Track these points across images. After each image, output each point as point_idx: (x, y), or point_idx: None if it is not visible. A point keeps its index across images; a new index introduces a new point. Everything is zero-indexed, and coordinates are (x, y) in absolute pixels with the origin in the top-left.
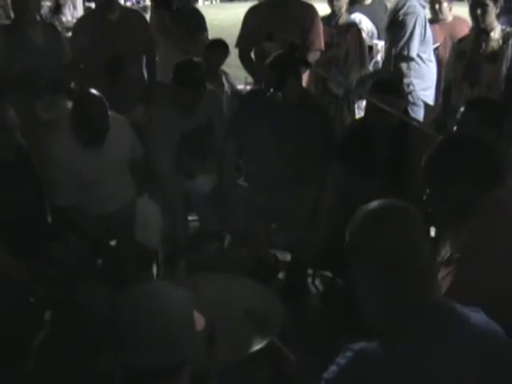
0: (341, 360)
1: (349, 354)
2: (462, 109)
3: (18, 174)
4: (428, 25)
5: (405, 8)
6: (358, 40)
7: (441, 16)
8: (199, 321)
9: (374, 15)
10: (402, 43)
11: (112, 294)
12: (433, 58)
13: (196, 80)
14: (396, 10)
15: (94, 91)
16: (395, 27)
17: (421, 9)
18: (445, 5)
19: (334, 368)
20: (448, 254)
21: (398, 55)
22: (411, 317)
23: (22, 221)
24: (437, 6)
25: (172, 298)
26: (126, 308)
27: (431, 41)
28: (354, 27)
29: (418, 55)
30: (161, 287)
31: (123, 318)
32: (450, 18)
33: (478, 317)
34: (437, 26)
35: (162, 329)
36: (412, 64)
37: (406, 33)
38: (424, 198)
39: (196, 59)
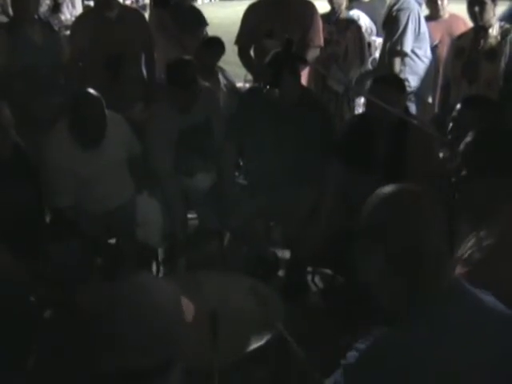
0: (360, 345)
1: (368, 339)
2: (458, 106)
3: (16, 173)
4: (423, 21)
5: (399, 4)
6: (357, 37)
7: (441, 12)
8: (188, 307)
9: (373, 12)
10: (395, 38)
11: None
12: (429, 55)
13: (187, 78)
14: (390, 6)
15: (91, 91)
16: (390, 23)
17: (415, 5)
18: (446, 1)
19: (353, 353)
20: (468, 252)
21: (392, 50)
22: (425, 302)
23: (22, 220)
24: (439, 2)
25: (158, 288)
26: (114, 304)
27: (427, 37)
28: (353, 24)
29: (413, 51)
30: (146, 280)
31: (113, 315)
32: (446, 16)
33: (490, 300)
34: (433, 24)
35: (152, 322)
36: (406, 60)
37: (399, 28)
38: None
39: (187, 57)
